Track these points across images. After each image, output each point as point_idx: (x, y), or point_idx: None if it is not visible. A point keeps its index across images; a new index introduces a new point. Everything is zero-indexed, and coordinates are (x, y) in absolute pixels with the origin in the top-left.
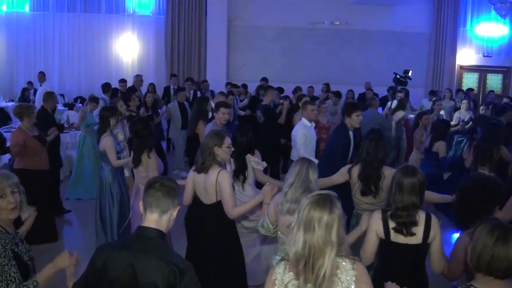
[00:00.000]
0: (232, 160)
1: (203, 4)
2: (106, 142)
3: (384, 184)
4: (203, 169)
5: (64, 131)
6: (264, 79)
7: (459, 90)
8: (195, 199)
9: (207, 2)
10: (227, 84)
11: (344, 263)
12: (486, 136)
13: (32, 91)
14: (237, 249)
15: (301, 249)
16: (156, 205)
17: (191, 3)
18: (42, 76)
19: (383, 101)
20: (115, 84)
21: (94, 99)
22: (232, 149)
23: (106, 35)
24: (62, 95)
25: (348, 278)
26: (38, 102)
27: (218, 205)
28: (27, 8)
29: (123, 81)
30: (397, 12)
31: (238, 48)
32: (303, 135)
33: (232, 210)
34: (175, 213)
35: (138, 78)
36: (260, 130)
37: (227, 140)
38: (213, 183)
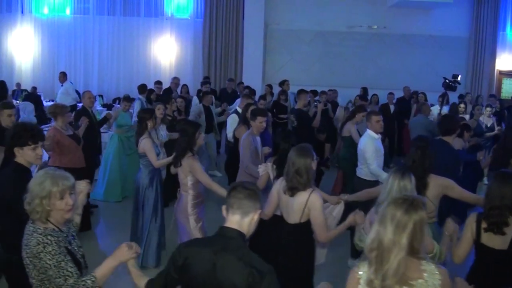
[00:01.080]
0: (274, 167)
1: (241, 8)
2: (145, 144)
3: (430, 194)
4: (304, 189)
5: (103, 131)
6: (283, 83)
7: (492, 95)
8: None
9: (244, 5)
10: (246, 87)
11: (430, 267)
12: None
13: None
14: (312, 269)
15: (372, 241)
16: (238, 207)
17: (228, 7)
18: (62, 76)
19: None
20: (152, 86)
21: (126, 98)
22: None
23: (144, 38)
24: (101, 96)
25: (435, 282)
26: (61, 101)
27: (301, 226)
28: (68, 12)
29: (159, 83)
30: (436, 15)
31: (275, 52)
32: (374, 149)
33: (325, 235)
34: (256, 217)
35: (175, 80)
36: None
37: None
38: (302, 204)
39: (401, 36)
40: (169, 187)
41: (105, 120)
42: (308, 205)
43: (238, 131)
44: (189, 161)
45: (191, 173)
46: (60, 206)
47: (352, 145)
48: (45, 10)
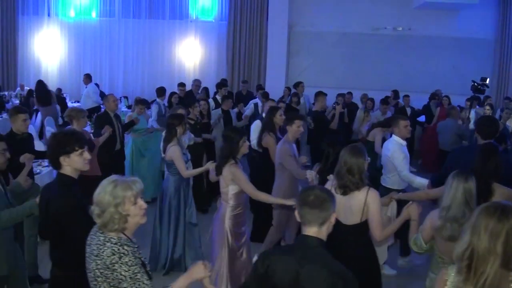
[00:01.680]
0: (317, 176)
1: (265, 10)
2: (174, 152)
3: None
4: (357, 189)
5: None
6: (297, 85)
7: (507, 98)
8: None
9: (268, 8)
10: (259, 88)
11: None
12: None
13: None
14: (378, 268)
15: (464, 250)
16: (315, 220)
17: (252, 9)
18: (86, 78)
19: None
20: (176, 88)
21: (141, 101)
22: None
23: (169, 41)
24: (126, 97)
25: None
26: (84, 103)
27: (362, 225)
28: (94, 15)
29: (182, 85)
30: (461, 17)
31: (298, 54)
32: (404, 156)
33: (380, 233)
34: (333, 219)
35: (196, 83)
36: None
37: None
38: (361, 203)
39: (426, 38)
40: (203, 193)
41: (132, 124)
42: (367, 203)
43: (267, 140)
44: (231, 169)
45: (233, 182)
46: (134, 211)
47: (373, 149)
48: (71, 13)
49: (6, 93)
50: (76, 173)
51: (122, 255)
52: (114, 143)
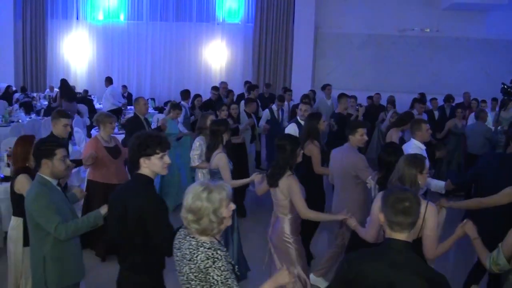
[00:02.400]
0: (377, 187)
1: (291, 12)
2: (220, 160)
3: None
4: None
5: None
6: (324, 87)
7: None
8: None
9: (295, 9)
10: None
11: None
12: None
13: (126, 94)
14: None
15: None
16: (408, 226)
17: (279, 11)
18: (106, 81)
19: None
20: (203, 90)
21: (177, 106)
22: None
23: (196, 43)
24: (153, 99)
25: None
26: (104, 105)
27: (418, 241)
28: (122, 18)
29: (216, 89)
30: (490, 18)
31: (325, 56)
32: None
33: (434, 251)
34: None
35: (223, 85)
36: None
37: (427, 165)
38: (420, 218)
39: (454, 39)
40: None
41: (159, 130)
42: (425, 218)
43: (311, 149)
44: (288, 181)
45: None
46: (227, 213)
47: None
48: (100, 17)
49: (34, 94)
50: (154, 175)
51: (215, 259)
52: None
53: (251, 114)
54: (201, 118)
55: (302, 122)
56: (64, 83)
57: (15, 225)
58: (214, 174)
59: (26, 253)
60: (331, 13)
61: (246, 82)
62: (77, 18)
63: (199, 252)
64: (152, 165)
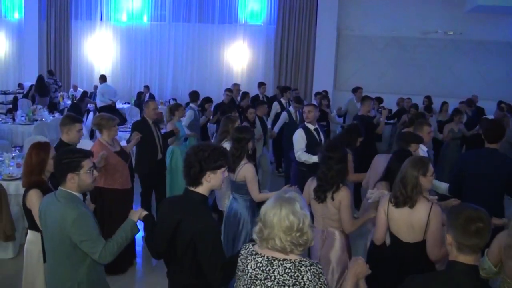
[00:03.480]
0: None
1: (314, 14)
2: (249, 170)
3: None
4: (406, 203)
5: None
6: (355, 90)
7: None
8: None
9: (317, 11)
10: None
11: None
12: None
13: (147, 95)
14: None
15: None
16: (479, 249)
17: (301, 13)
18: (100, 78)
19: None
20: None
21: (179, 105)
22: None
23: (218, 44)
24: (175, 100)
25: None
26: (97, 101)
27: (423, 244)
28: (145, 19)
29: (230, 90)
30: None
31: (347, 58)
32: None
33: (438, 253)
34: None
35: (236, 87)
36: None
37: (431, 168)
38: (423, 220)
39: (478, 42)
40: None
41: (172, 134)
42: (430, 218)
43: None
44: (344, 194)
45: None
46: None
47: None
48: (123, 18)
49: (58, 94)
50: (208, 192)
51: (320, 275)
52: (155, 153)
53: (262, 117)
54: (225, 121)
55: (310, 126)
56: (40, 79)
57: (33, 239)
58: (240, 188)
59: (44, 269)
60: (354, 15)
61: (260, 84)
62: (101, 19)
63: (302, 273)
64: (215, 179)
